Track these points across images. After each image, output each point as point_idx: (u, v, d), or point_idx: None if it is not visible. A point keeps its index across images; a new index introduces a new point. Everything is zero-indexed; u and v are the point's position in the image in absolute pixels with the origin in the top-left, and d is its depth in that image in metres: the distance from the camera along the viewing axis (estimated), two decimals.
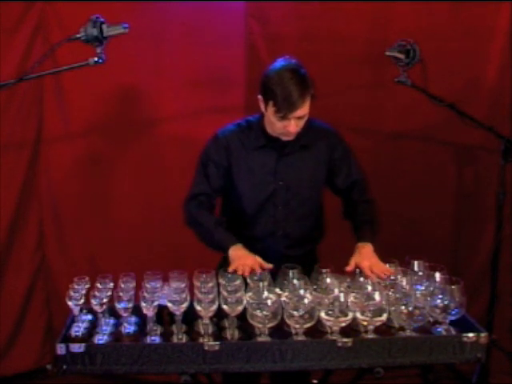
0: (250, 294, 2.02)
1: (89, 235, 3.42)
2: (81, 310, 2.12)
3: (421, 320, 1.96)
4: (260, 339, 1.95)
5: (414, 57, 2.61)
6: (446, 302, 1.98)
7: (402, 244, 2.96)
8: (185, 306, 2.00)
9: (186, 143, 3.21)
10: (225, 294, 2.03)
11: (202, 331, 2.02)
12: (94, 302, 2.06)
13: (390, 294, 2.04)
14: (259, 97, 2.31)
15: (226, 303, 2.00)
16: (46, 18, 3.17)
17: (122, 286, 2.11)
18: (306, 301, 1.95)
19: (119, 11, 3.00)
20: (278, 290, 2.09)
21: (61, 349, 1.90)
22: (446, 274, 2.11)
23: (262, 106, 2.31)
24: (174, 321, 2.03)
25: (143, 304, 2.00)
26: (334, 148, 2.46)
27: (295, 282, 2.10)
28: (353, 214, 2.47)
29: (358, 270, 2.19)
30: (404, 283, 2.10)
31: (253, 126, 2.43)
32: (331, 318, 1.95)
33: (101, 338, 2.01)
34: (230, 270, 2.16)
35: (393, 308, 1.97)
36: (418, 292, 2.05)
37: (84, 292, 2.12)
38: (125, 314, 2.04)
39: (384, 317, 1.96)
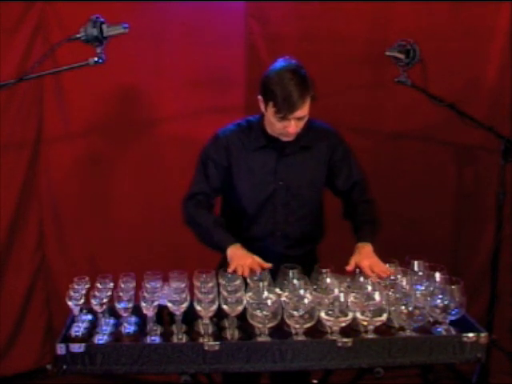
0: (249, 293, 2.02)
1: (89, 235, 3.42)
2: (81, 310, 2.12)
3: (421, 320, 1.96)
4: (260, 339, 1.95)
5: (414, 57, 2.61)
6: (446, 302, 1.98)
7: (402, 244, 2.95)
8: (185, 306, 2.00)
9: (186, 143, 3.21)
10: (225, 293, 2.03)
11: (202, 331, 2.02)
12: (93, 301, 2.06)
13: (390, 293, 2.04)
14: (259, 97, 2.31)
15: (226, 303, 2.00)
16: (46, 18, 3.17)
17: (122, 285, 2.11)
18: (306, 301, 1.95)
19: (119, 11, 3.00)
20: (278, 290, 2.09)
21: (61, 349, 1.90)
22: (446, 274, 2.11)
23: (262, 107, 2.31)
24: (174, 321, 2.03)
25: (143, 304, 2.00)
26: (335, 149, 2.45)
27: (295, 281, 2.10)
28: (353, 214, 2.47)
29: (357, 270, 2.19)
30: (404, 283, 2.10)
31: (253, 126, 2.43)
32: (331, 318, 1.95)
33: (101, 338, 2.01)
34: (230, 270, 2.16)
35: (393, 308, 1.97)
36: (418, 292, 2.05)
37: (84, 292, 2.12)
38: (125, 314, 2.04)
39: (384, 317, 1.96)
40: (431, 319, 2.01)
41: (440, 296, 2.00)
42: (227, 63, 3.27)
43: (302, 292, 2.01)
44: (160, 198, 3.33)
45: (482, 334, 1.95)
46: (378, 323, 1.96)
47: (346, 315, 1.96)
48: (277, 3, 3.22)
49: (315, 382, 2.48)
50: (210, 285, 2.09)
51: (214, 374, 2.19)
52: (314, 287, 2.09)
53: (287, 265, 2.17)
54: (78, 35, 2.22)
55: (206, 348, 1.90)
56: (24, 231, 3.38)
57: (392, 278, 2.17)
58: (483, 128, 2.86)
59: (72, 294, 2.10)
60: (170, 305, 1.99)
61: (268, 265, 2.20)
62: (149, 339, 1.99)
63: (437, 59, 2.90)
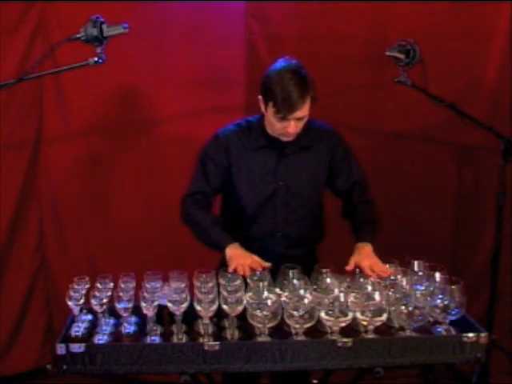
0: (249, 294, 2.02)
1: (89, 235, 3.42)
2: (81, 310, 2.12)
3: (421, 320, 1.96)
4: (260, 339, 1.95)
5: (414, 57, 2.61)
6: (446, 302, 1.98)
7: (402, 244, 2.95)
8: (185, 306, 2.00)
9: (186, 143, 3.21)
10: (225, 293, 2.03)
11: (202, 331, 2.02)
12: (94, 301, 2.06)
13: (390, 294, 2.04)
14: (259, 97, 2.31)
15: (226, 303, 2.00)
16: (46, 18, 3.17)
17: (122, 285, 2.11)
18: (306, 301, 1.95)
19: (119, 11, 3.00)
20: (278, 290, 2.08)
21: (61, 349, 1.90)
22: (446, 273, 2.11)
23: (262, 107, 2.31)
24: (174, 321, 2.03)
25: (143, 304, 2.00)
26: (335, 149, 2.45)
27: (295, 281, 2.10)
28: (353, 214, 2.47)
29: (358, 270, 2.19)
30: (404, 283, 2.10)
31: (253, 127, 2.43)
32: (331, 318, 1.95)
33: (101, 338, 2.01)
34: (231, 270, 2.16)
35: (393, 308, 1.97)
36: (418, 292, 2.05)
37: (84, 292, 2.12)
38: (125, 314, 2.04)
39: (384, 317, 1.96)
40: (431, 319, 2.01)
41: (440, 296, 2.00)
42: (227, 63, 3.27)
43: (301, 292, 2.01)
44: (160, 198, 3.33)
45: (482, 334, 1.95)
46: (378, 323, 1.96)
47: (346, 315, 1.96)
48: (277, 3, 3.22)
49: (315, 382, 2.48)
50: (210, 285, 2.09)
51: (214, 373, 2.18)
52: (314, 287, 2.08)
53: (287, 265, 2.17)
54: (78, 35, 2.22)
55: (206, 348, 1.89)
56: (24, 231, 3.38)
57: (392, 277, 2.17)
58: (483, 128, 2.86)
59: (72, 294, 2.10)
60: (170, 305, 1.99)
61: (267, 264, 2.21)
62: (149, 339, 1.99)
63: (437, 59, 2.90)
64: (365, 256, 2.23)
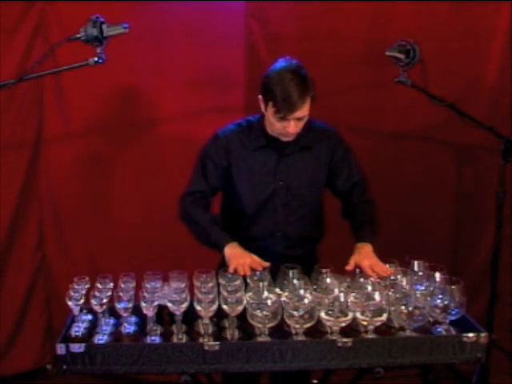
0: (249, 294, 2.02)
1: (89, 235, 3.42)
2: (81, 310, 2.12)
3: (421, 320, 1.96)
4: (260, 339, 1.95)
5: (414, 57, 2.61)
6: (446, 302, 1.98)
7: (402, 244, 2.95)
8: (185, 306, 2.00)
9: (186, 143, 3.21)
10: (225, 293, 2.03)
11: (202, 331, 2.02)
12: (94, 301, 2.06)
13: (390, 293, 2.04)
14: (259, 97, 2.31)
15: (226, 303, 2.00)
16: (46, 18, 3.17)
17: (122, 285, 2.11)
18: (306, 301, 1.95)
19: (119, 11, 3.00)
20: (278, 290, 2.08)
21: (61, 349, 1.90)
22: (446, 273, 2.11)
23: (262, 107, 2.31)
24: (174, 321, 2.03)
25: (143, 304, 2.00)
26: (335, 149, 2.45)
27: (295, 281, 2.10)
28: (352, 214, 2.47)
29: (358, 270, 2.19)
30: (404, 283, 2.10)
31: (253, 126, 2.43)
32: (331, 318, 1.95)
33: (101, 338, 2.01)
34: (231, 270, 2.16)
35: (393, 308, 1.97)
36: (418, 292, 2.05)
37: (84, 292, 2.12)
38: (125, 314, 2.04)
39: (384, 317, 1.96)
40: (431, 319, 2.01)
41: (440, 296, 2.00)
42: (227, 63, 3.27)
43: (302, 292, 2.01)
44: (160, 198, 3.33)
45: (482, 334, 1.95)
46: (378, 323, 1.96)
47: (346, 315, 1.96)
48: (277, 3, 3.22)
49: (315, 382, 2.48)
50: (210, 285, 2.09)
51: (214, 373, 2.18)
52: (314, 287, 2.08)
53: (287, 265, 2.17)
54: (78, 35, 2.22)
55: (206, 348, 1.89)
56: (24, 231, 3.38)
57: (392, 278, 2.17)
58: (483, 128, 2.86)
59: (72, 294, 2.10)
60: (170, 305, 1.99)
61: (267, 264, 2.21)
62: (149, 339, 1.99)
63: (437, 59, 2.90)
64: (365, 256, 2.24)
